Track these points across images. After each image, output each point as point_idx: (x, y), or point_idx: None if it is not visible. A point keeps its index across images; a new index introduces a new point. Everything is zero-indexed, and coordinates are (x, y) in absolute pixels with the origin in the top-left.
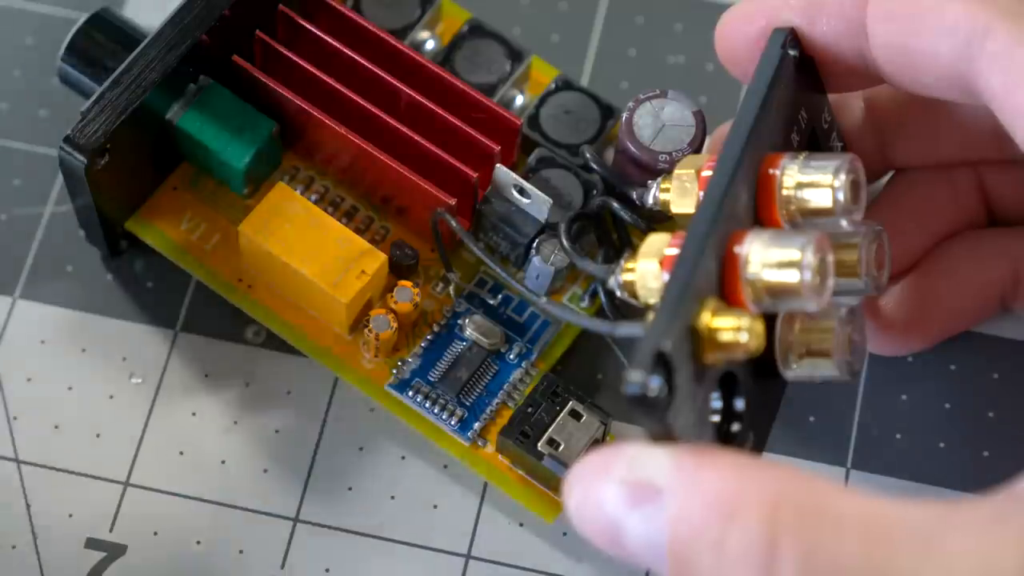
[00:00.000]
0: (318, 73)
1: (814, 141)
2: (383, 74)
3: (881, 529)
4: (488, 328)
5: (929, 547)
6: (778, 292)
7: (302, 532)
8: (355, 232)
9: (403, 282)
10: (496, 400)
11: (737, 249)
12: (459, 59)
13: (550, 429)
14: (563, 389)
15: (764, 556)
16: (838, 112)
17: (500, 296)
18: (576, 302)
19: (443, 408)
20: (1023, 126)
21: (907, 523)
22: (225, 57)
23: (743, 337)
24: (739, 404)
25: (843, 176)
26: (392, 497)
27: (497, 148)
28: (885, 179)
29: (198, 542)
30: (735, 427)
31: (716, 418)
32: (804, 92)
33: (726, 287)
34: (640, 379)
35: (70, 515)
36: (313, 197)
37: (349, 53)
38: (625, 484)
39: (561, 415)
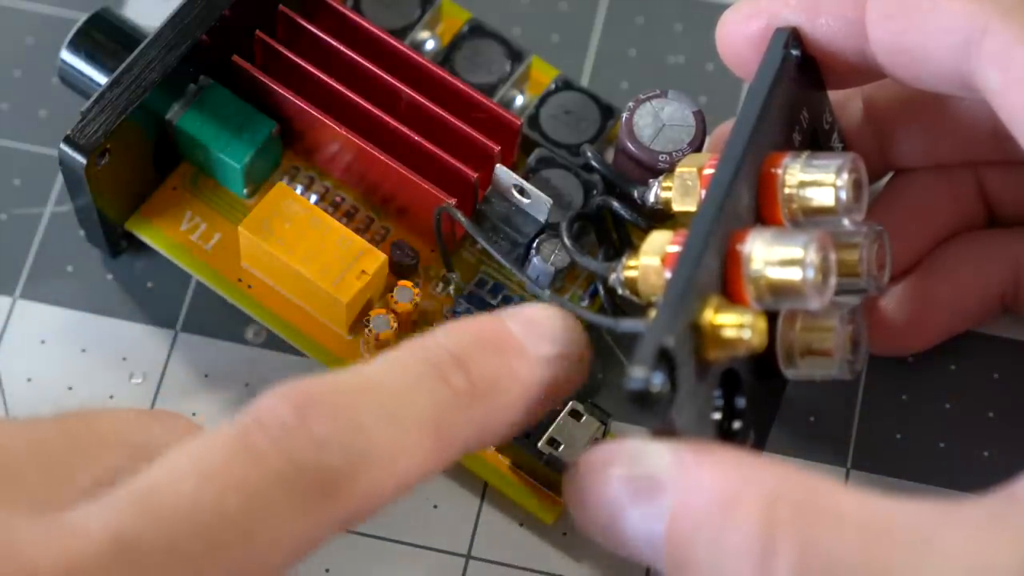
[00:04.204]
0: (318, 73)
1: (815, 141)
2: (383, 74)
3: (879, 527)
4: None
5: (926, 546)
6: (781, 290)
7: None
8: (355, 232)
9: (403, 282)
10: None
11: (740, 247)
12: (459, 59)
13: (550, 429)
14: None
15: (761, 551)
16: (838, 112)
17: (500, 296)
18: (576, 302)
19: None
20: (1022, 123)
21: (905, 521)
22: (225, 57)
23: (746, 334)
24: (740, 402)
25: (845, 175)
26: None
27: (497, 148)
28: (885, 180)
29: None
30: (736, 425)
31: (717, 415)
32: (806, 92)
33: (728, 285)
34: (643, 375)
35: None
36: (313, 197)
37: (349, 53)
38: (626, 478)
39: (561, 415)
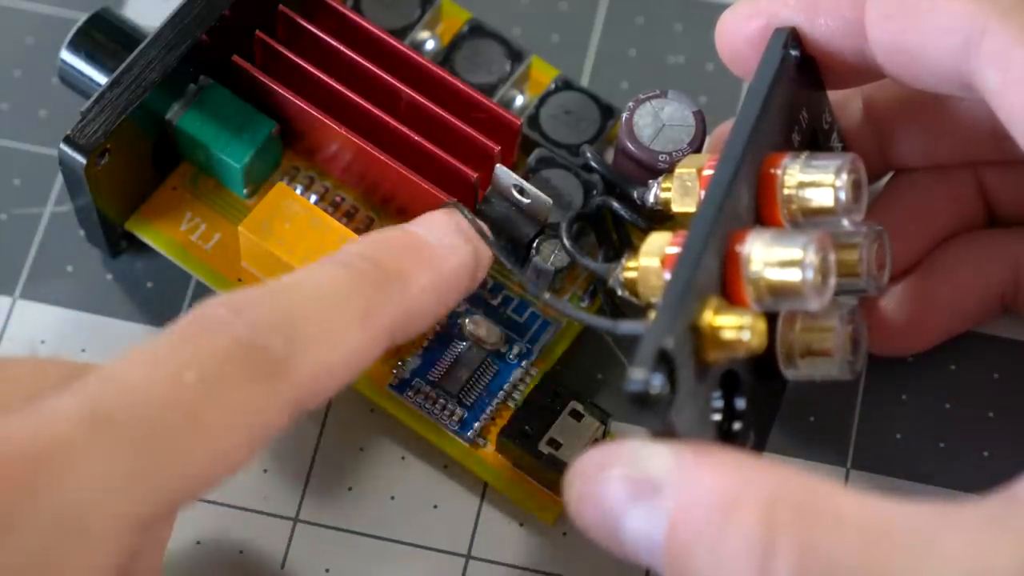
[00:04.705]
0: (318, 73)
1: (815, 141)
2: (383, 74)
3: (879, 529)
4: (488, 328)
5: (926, 548)
6: (780, 291)
7: (302, 532)
8: (355, 232)
9: None
10: (496, 400)
11: (739, 248)
12: (459, 59)
13: (550, 429)
14: (563, 389)
15: (761, 553)
16: (838, 112)
17: (500, 296)
18: (576, 302)
19: (443, 408)
20: (1021, 124)
21: (905, 523)
22: (225, 57)
23: (745, 335)
24: (740, 403)
25: (844, 175)
26: (392, 497)
27: (497, 148)
28: (885, 180)
29: (198, 542)
30: (736, 426)
31: (717, 417)
32: (805, 92)
33: (728, 286)
34: (642, 377)
35: None
36: (313, 197)
37: (349, 53)
38: (626, 479)
39: (561, 415)
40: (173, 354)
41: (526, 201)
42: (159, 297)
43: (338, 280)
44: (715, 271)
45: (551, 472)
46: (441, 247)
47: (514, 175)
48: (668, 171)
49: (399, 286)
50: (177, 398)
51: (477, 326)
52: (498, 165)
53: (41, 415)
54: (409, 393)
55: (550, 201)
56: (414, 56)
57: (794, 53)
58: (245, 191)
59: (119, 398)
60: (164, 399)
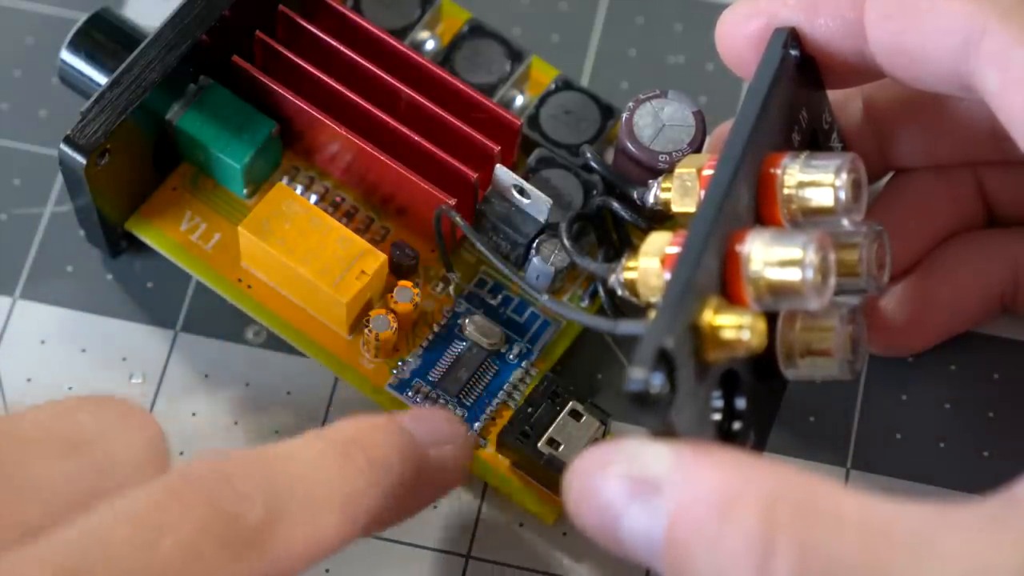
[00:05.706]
0: (318, 73)
1: (814, 141)
2: (383, 74)
3: (878, 528)
4: (488, 328)
5: (926, 548)
6: (780, 290)
7: None
8: (355, 232)
9: (403, 282)
10: (496, 400)
11: (739, 247)
12: (459, 59)
13: (550, 429)
14: (563, 389)
15: (760, 552)
16: (838, 112)
17: (500, 296)
18: (576, 302)
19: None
20: (1021, 124)
21: (905, 523)
22: (225, 57)
23: (745, 335)
24: (740, 403)
25: (844, 175)
26: None
27: (497, 148)
28: (885, 180)
29: None
30: (736, 425)
31: (717, 416)
32: (805, 92)
33: (728, 285)
34: (642, 376)
35: None
36: (313, 197)
37: (349, 53)
38: (625, 478)
39: (561, 415)
40: (156, 516)
41: (526, 201)
42: (159, 297)
43: (326, 461)
44: (715, 271)
45: (551, 472)
46: (425, 442)
47: (514, 175)
48: (668, 171)
49: (382, 477)
50: (152, 564)
51: (477, 326)
52: (498, 165)
53: (15, 564)
54: (409, 393)
55: (550, 201)
56: (414, 56)
57: (794, 53)
58: (245, 191)
59: (96, 559)
60: (139, 563)
